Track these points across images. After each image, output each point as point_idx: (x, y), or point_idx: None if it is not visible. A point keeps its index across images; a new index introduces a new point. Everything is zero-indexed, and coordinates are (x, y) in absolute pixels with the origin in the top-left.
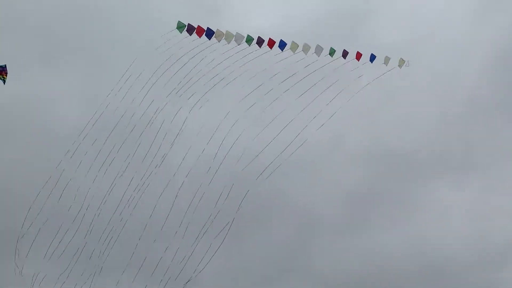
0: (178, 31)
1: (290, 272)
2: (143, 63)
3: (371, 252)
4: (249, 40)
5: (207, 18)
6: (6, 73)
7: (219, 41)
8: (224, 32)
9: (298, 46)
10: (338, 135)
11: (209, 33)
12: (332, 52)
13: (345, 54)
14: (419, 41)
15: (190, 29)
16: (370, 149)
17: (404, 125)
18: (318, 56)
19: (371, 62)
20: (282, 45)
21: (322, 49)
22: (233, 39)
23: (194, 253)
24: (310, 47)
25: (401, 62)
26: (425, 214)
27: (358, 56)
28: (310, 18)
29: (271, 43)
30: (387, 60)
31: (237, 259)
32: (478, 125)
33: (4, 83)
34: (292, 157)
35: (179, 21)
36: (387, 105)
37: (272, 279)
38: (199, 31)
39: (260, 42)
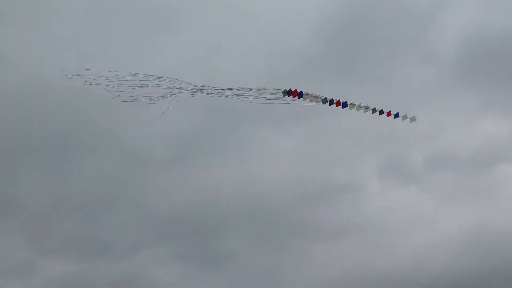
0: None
1: (116, 204)
2: None
3: (199, 187)
4: (324, 100)
5: None
6: None
7: (304, 100)
8: (310, 94)
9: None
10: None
11: (300, 95)
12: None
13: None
14: None
15: (289, 92)
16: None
17: (239, 76)
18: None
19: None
20: (345, 105)
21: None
22: (315, 99)
23: None
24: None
25: (412, 119)
26: (254, 156)
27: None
28: None
29: (338, 103)
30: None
31: (60, 186)
32: (308, 78)
33: None
34: None
35: (285, 88)
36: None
37: (98, 210)
38: (295, 93)
39: (331, 101)
